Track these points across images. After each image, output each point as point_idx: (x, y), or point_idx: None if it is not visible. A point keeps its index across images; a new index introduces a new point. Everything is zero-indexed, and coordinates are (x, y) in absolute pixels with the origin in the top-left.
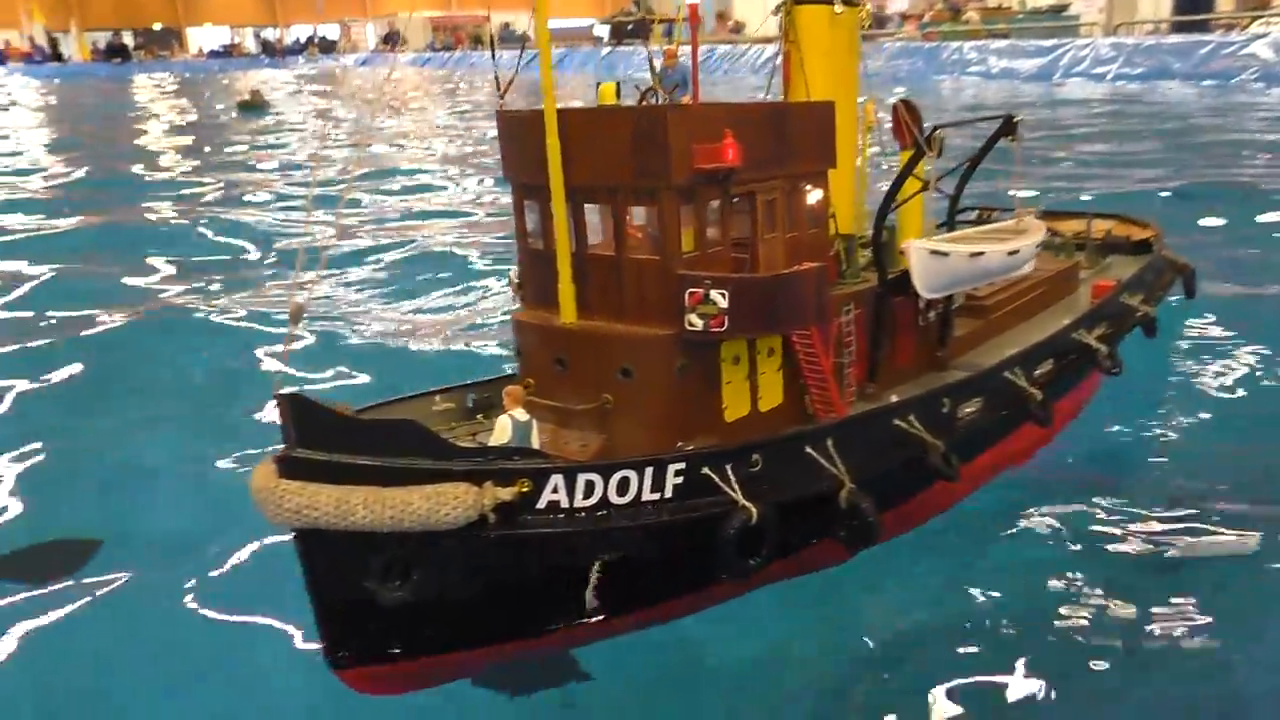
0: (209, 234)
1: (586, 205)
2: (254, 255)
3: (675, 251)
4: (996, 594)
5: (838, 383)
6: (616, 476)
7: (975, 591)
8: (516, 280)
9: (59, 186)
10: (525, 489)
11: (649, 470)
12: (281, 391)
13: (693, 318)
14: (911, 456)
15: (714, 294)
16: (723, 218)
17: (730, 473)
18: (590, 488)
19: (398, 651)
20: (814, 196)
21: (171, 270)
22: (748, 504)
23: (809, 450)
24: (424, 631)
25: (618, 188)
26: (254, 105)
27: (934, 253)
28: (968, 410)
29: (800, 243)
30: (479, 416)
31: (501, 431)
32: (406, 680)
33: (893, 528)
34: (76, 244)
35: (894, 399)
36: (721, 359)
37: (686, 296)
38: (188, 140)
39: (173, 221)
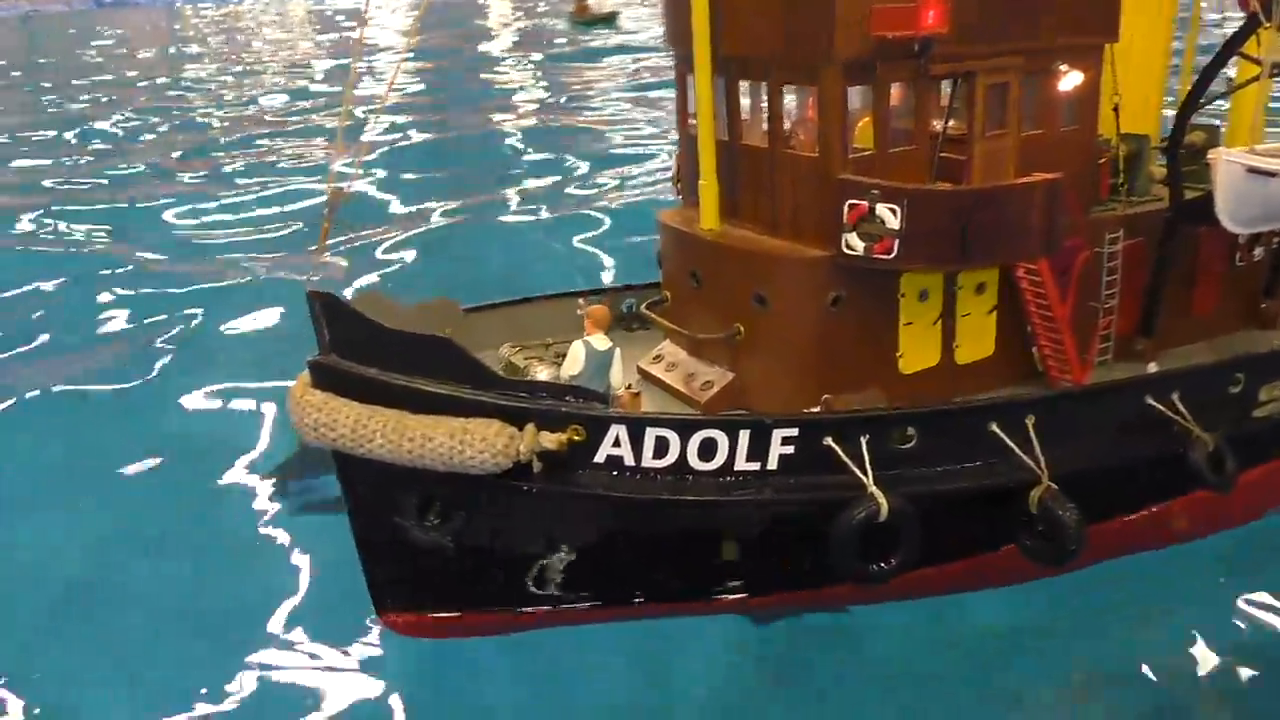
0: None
1: (742, 82)
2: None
3: (838, 149)
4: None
5: (1078, 335)
6: (699, 437)
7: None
8: (674, 171)
9: None
10: (578, 437)
11: (744, 434)
12: (312, 288)
13: (851, 238)
14: (1162, 453)
15: (881, 209)
16: (919, 106)
17: (865, 448)
18: (663, 446)
19: (437, 601)
20: (1070, 81)
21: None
22: (877, 492)
23: (994, 428)
24: (469, 582)
25: (771, 60)
26: (591, 18)
27: (1252, 170)
28: (1275, 395)
29: (1044, 144)
30: (634, 327)
31: (573, 360)
32: (455, 629)
33: (1104, 547)
34: None
35: (1155, 368)
36: (900, 293)
37: (846, 210)
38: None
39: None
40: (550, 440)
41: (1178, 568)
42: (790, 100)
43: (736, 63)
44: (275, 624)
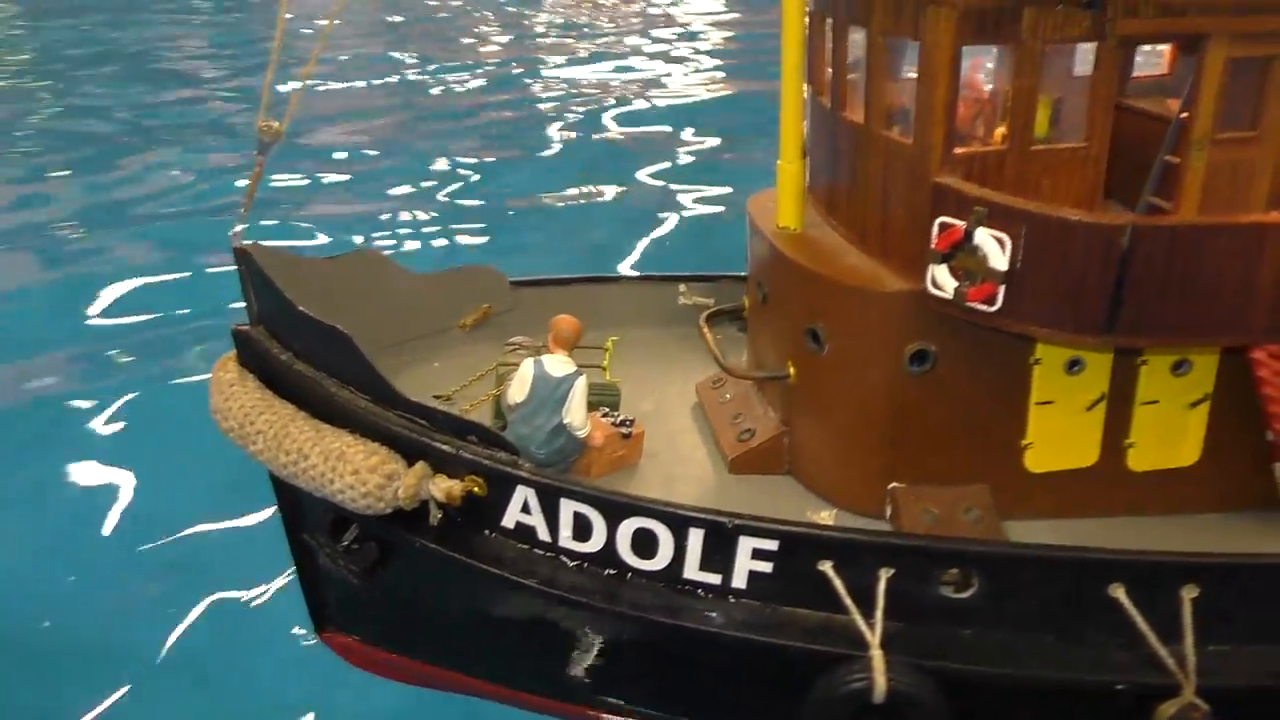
0: None
1: (853, 30)
2: None
3: (938, 137)
4: None
5: None
6: (631, 525)
7: None
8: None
9: None
10: (478, 490)
11: (695, 534)
12: (240, 244)
13: (939, 273)
14: None
15: (982, 236)
16: (1095, 83)
17: (882, 586)
18: (584, 527)
19: (370, 634)
20: None
21: None
22: (878, 657)
23: (1118, 594)
24: (383, 622)
25: (875, 3)
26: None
27: None
28: None
29: None
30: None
31: (518, 385)
32: (394, 671)
33: None
34: None
35: None
36: (1034, 358)
37: (935, 230)
38: None
39: None
40: (440, 489)
41: None
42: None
43: (847, 6)
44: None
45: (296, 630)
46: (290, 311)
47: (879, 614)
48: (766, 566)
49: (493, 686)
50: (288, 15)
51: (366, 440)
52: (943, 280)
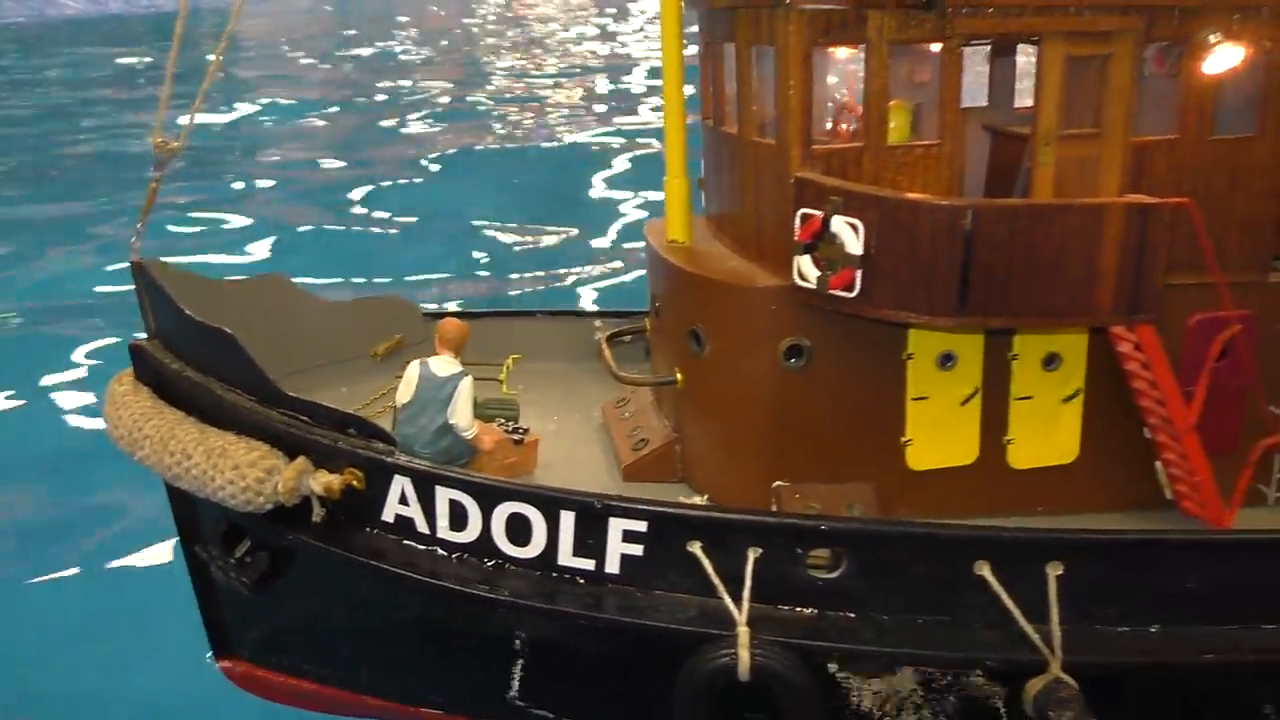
0: None
1: (726, 45)
2: None
3: (795, 134)
4: None
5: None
6: (503, 511)
7: None
8: None
9: None
10: (356, 483)
11: (568, 516)
12: (138, 258)
13: (803, 263)
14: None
15: (838, 224)
16: (943, 82)
17: (750, 567)
18: (460, 515)
19: (269, 657)
20: (1224, 59)
21: None
22: (744, 634)
23: (984, 572)
24: (281, 643)
25: (736, 10)
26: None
27: None
28: None
29: (1184, 157)
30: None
31: (405, 384)
32: (287, 696)
33: None
34: None
35: None
36: (906, 352)
37: (798, 222)
38: None
39: None
40: (319, 482)
41: None
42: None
43: (719, 16)
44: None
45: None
46: (180, 319)
47: (746, 593)
48: (637, 549)
49: (390, 704)
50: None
51: (249, 438)
52: (807, 270)
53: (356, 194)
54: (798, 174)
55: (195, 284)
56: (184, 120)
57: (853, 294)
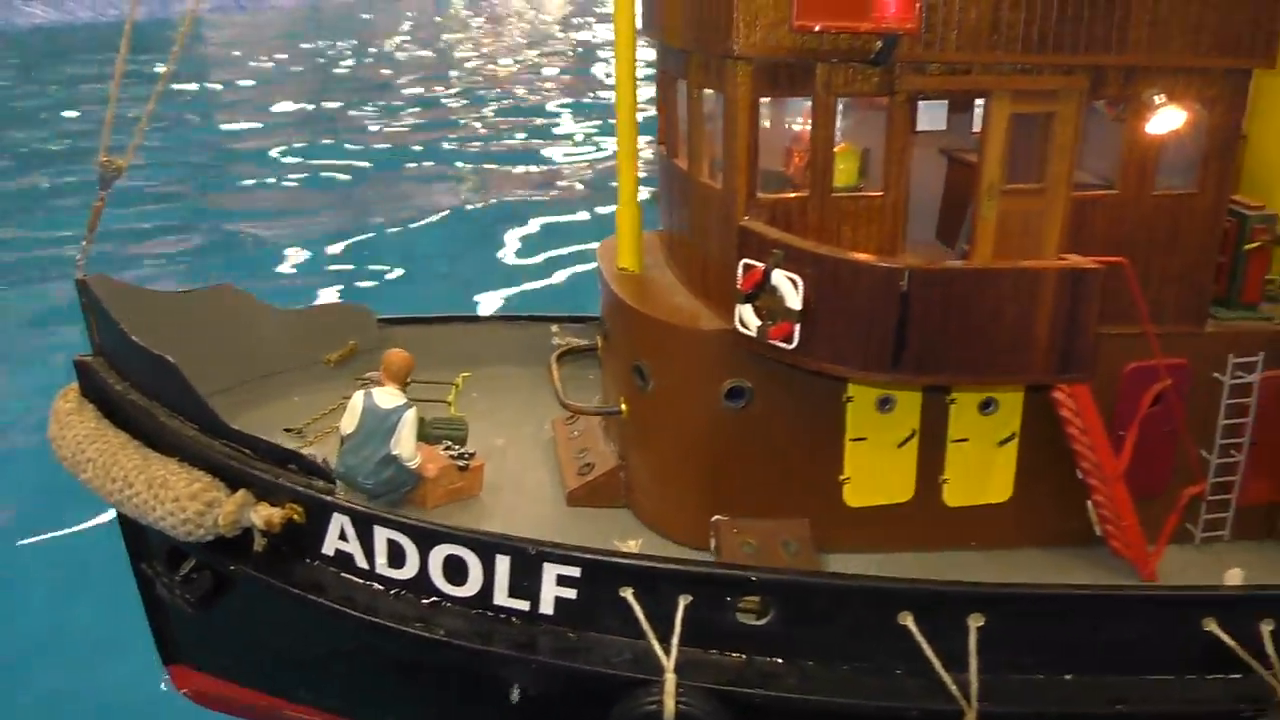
0: None
1: (679, 82)
2: None
3: (741, 182)
4: None
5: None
6: (440, 552)
7: None
8: None
9: None
10: (297, 518)
11: (504, 560)
12: (83, 274)
13: (745, 311)
14: (1223, 713)
15: (779, 278)
16: (889, 136)
17: (680, 613)
18: (398, 553)
19: (216, 668)
20: (1166, 121)
21: None
22: (670, 681)
23: (907, 623)
24: (224, 654)
25: (688, 52)
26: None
27: None
28: None
29: (1124, 212)
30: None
31: (349, 415)
32: (231, 705)
33: None
34: None
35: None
36: (845, 395)
37: (740, 271)
38: None
39: None
40: (260, 516)
41: None
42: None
43: (674, 52)
44: None
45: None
46: (124, 341)
47: (675, 639)
48: (571, 593)
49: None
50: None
51: (191, 468)
52: (748, 319)
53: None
54: (742, 223)
55: (145, 298)
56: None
57: (791, 346)
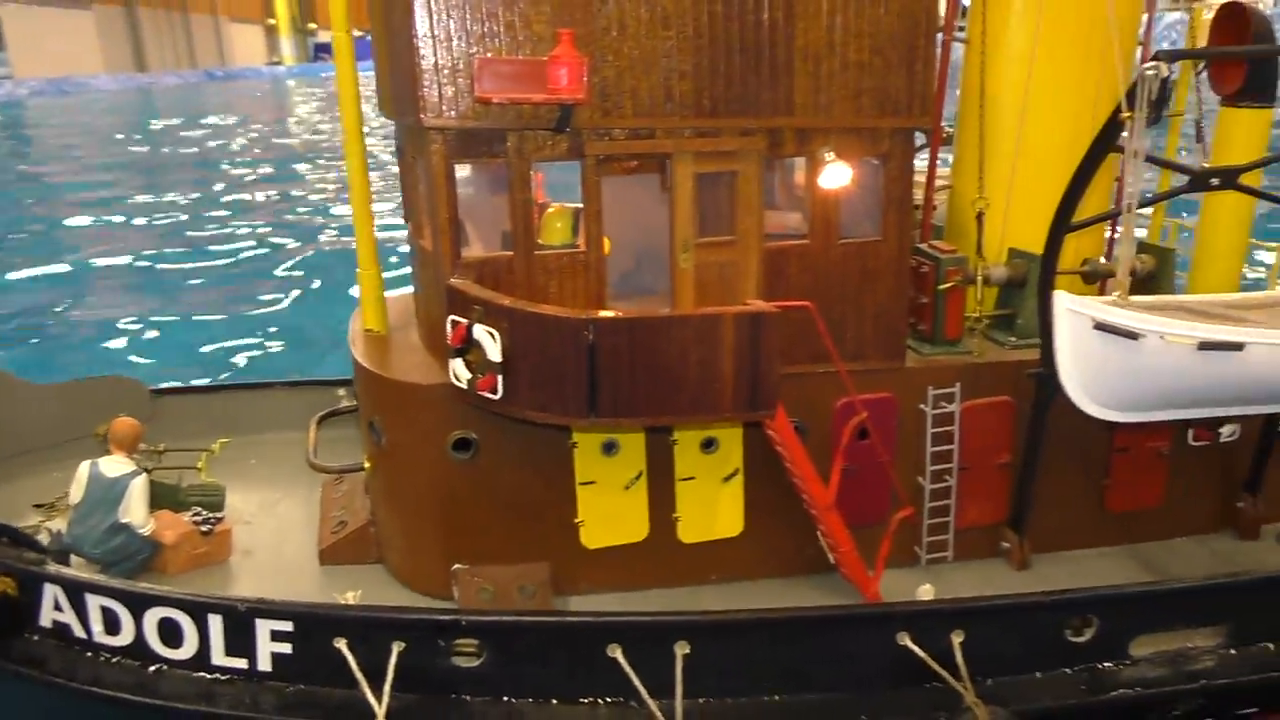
0: None
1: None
2: None
3: (444, 243)
4: None
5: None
6: (154, 615)
7: None
8: None
9: None
10: (11, 592)
11: (216, 619)
12: None
13: (457, 366)
14: None
15: (479, 332)
16: (584, 197)
17: (393, 659)
18: (114, 621)
19: None
20: (835, 176)
21: None
22: None
23: (614, 654)
24: None
25: (398, 122)
26: None
27: (1103, 326)
28: (1163, 652)
29: (814, 260)
30: None
31: (75, 484)
32: None
33: None
34: None
35: (929, 591)
36: (571, 441)
37: (449, 327)
38: None
39: None
40: None
41: None
42: None
43: (397, 127)
44: None
45: None
46: None
47: (387, 686)
48: (286, 648)
49: None
50: None
51: None
52: (460, 372)
53: None
54: (450, 282)
55: None
56: None
57: (497, 396)
